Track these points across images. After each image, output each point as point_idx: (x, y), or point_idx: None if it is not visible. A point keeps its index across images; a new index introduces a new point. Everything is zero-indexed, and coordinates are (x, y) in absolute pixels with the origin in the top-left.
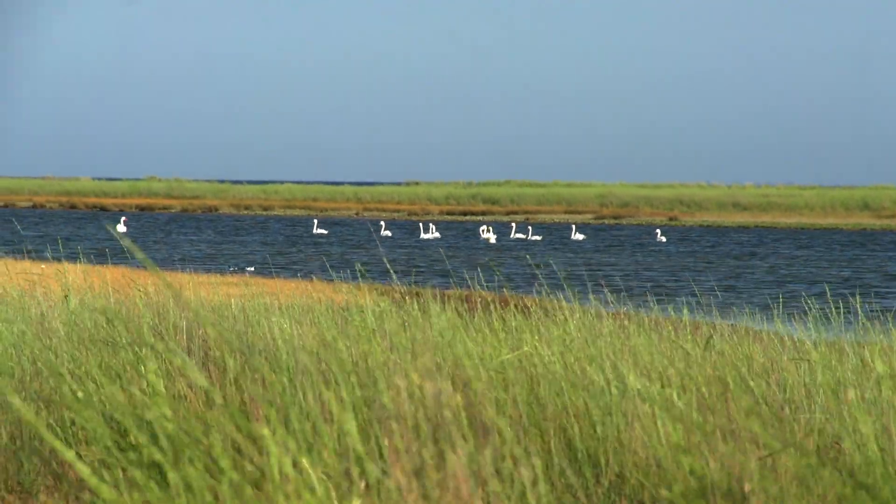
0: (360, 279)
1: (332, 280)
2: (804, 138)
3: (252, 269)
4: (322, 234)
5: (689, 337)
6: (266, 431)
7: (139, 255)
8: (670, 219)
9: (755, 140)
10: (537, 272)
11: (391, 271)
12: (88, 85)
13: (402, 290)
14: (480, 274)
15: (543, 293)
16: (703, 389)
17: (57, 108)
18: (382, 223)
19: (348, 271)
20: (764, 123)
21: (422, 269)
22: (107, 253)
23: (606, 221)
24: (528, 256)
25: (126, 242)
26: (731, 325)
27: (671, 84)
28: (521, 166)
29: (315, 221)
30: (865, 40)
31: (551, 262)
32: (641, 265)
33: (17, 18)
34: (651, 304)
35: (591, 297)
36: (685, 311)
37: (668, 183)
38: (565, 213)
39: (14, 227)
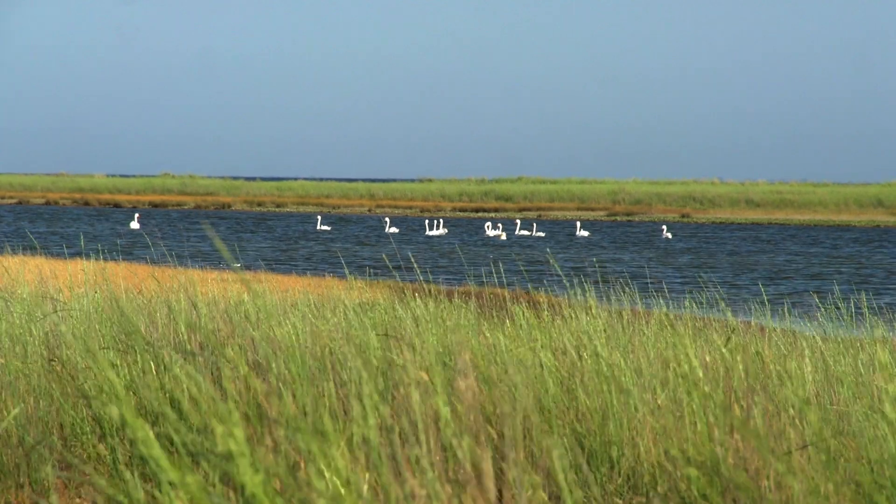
0: (422, 277)
1: (343, 277)
2: (817, 135)
3: (238, 265)
4: (326, 230)
5: (690, 332)
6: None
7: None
8: (683, 215)
9: (768, 137)
10: (545, 268)
11: (413, 268)
12: (102, 82)
13: (413, 287)
14: (482, 269)
15: (551, 290)
16: (718, 386)
17: (71, 105)
18: (387, 219)
19: (348, 267)
20: (777, 120)
21: (427, 266)
22: (120, 249)
23: (619, 218)
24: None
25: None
26: (745, 321)
27: (684, 81)
28: (534, 163)
29: (319, 218)
30: (879, 37)
31: (537, 260)
32: (642, 261)
33: (25, 17)
34: (656, 301)
35: (600, 293)
36: (694, 307)
37: (681, 180)
38: (578, 209)
39: (28, 224)
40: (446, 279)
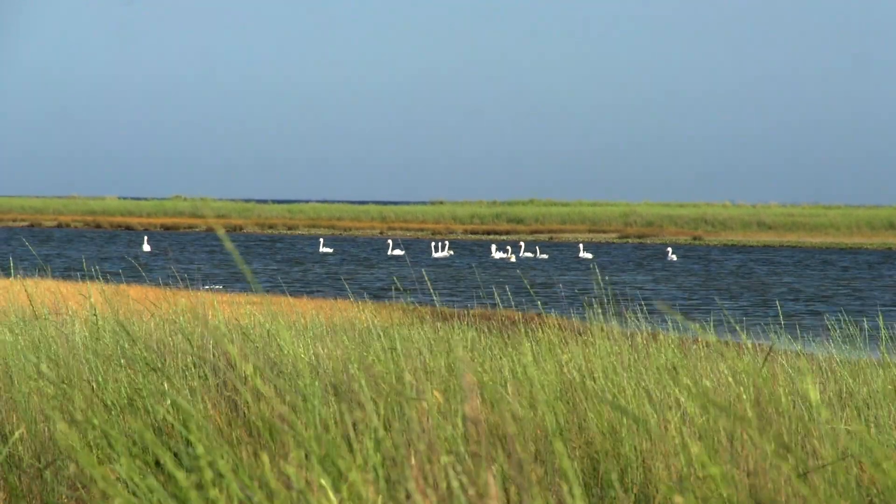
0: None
1: (345, 298)
2: (829, 158)
3: (220, 286)
4: (328, 252)
5: (703, 354)
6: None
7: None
8: (694, 238)
9: (780, 159)
10: (556, 290)
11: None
12: (115, 104)
13: (421, 309)
14: (488, 291)
15: (556, 311)
16: (728, 408)
17: (83, 127)
18: (390, 241)
19: (350, 290)
20: (789, 143)
21: (432, 288)
22: (134, 272)
23: (630, 241)
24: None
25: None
26: (757, 344)
27: (696, 103)
28: (545, 185)
29: (321, 240)
30: (891, 59)
31: (532, 281)
32: (642, 282)
33: (31, 29)
34: (661, 323)
35: (609, 315)
36: (699, 329)
37: (693, 202)
38: (589, 232)
39: (40, 247)
40: (453, 301)
